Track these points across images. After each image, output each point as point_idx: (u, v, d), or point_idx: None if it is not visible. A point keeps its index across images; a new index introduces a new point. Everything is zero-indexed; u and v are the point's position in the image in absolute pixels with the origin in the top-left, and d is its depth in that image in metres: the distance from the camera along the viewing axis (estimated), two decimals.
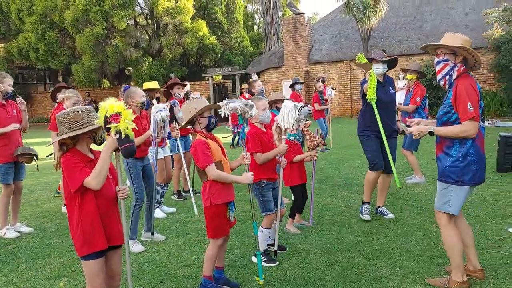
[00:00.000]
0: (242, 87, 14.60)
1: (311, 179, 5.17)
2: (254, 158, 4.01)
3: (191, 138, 7.04)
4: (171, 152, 6.47)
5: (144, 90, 5.59)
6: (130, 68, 24.78)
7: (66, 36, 24.46)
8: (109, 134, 2.53)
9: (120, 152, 2.56)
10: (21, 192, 5.60)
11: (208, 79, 22.42)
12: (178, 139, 6.17)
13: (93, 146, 2.77)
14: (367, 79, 4.97)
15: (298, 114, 4.24)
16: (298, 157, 4.82)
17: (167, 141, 6.31)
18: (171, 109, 5.63)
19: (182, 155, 6.36)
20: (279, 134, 4.41)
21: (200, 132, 3.49)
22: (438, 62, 3.38)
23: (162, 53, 23.97)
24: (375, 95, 4.86)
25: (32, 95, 29.18)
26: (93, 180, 2.50)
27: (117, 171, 2.71)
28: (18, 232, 5.37)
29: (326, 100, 10.52)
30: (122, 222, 2.73)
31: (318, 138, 4.85)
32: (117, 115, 2.47)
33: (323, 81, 10.51)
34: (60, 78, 30.02)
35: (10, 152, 5.19)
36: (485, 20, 16.59)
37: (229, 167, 3.56)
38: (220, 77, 24.95)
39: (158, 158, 5.80)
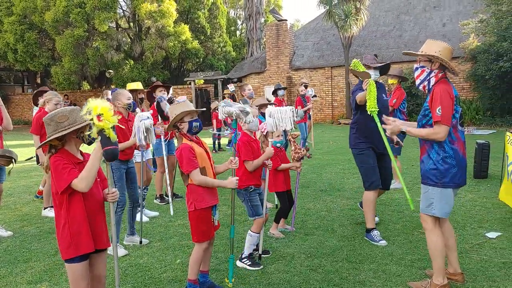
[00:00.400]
0: (225, 92, 14.62)
1: (295, 185, 5.22)
2: (245, 165, 4.05)
3: (175, 142, 7.03)
4: (153, 156, 6.44)
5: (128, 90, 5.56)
6: (111, 70, 24.53)
7: (46, 38, 24.08)
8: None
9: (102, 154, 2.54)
10: (1, 195, 5.49)
11: (190, 83, 22.37)
12: (162, 141, 6.15)
13: (84, 148, 2.75)
14: (363, 88, 4.48)
15: (296, 116, 4.33)
16: (283, 166, 4.87)
17: (150, 144, 6.29)
18: (158, 104, 5.61)
19: (165, 159, 6.34)
20: (265, 138, 4.47)
21: (186, 136, 3.50)
22: (416, 69, 3.52)
23: (144, 56, 23.82)
24: (376, 106, 4.28)
25: (10, 97, 28.56)
26: (82, 182, 2.48)
27: (105, 174, 2.70)
28: None
29: (308, 98, 10.60)
30: (111, 225, 2.72)
31: (303, 150, 4.92)
32: (99, 116, 2.46)
33: (305, 86, 10.63)
34: (39, 80, 29.50)
35: None
36: (462, 30, 17.05)
37: (214, 172, 3.57)
38: (202, 81, 24.93)
39: (138, 160, 5.78)
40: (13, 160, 5.25)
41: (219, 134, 12.82)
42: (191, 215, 3.46)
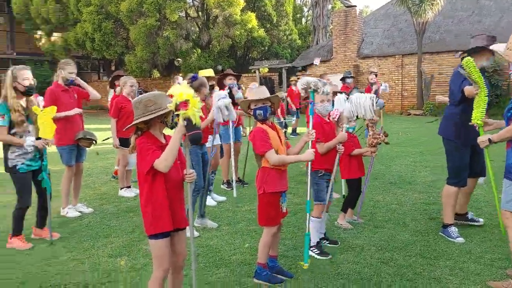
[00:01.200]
0: (291, 79, 14.53)
1: (367, 174, 5.10)
2: (317, 146, 4.02)
3: (241, 130, 7.14)
4: (221, 141, 6.58)
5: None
6: (179, 59, 25.29)
7: (121, 27, 25.21)
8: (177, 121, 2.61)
9: (186, 138, 2.62)
10: (82, 174, 5.88)
11: (255, 72, 22.50)
12: (230, 127, 6.27)
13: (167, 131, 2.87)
14: (473, 94, 3.97)
15: (376, 105, 4.24)
16: (357, 151, 4.79)
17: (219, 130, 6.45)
18: (229, 91, 5.72)
19: (232, 145, 6.47)
20: (337, 125, 4.42)
21: (259, 121, 3.54)
22: None
23: (211, 45, 24.26)
24: (481, 119, 3.86)
25: (88, 83, 30.38)
26: (162, 163, 2.59)
27: (185, 156, 2.79)
28: (80, 212, 5.64)
29: (377, 92, 10.31)
30: (188, 206, 2.81)
31: (382, 136, 4.80)
32: (186, 103, 2.53)
33: (375, 75, 10.36)
34: (113, 68, 31.08)
35: (72, 135, 5.44)
36: None
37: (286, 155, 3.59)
38: (267, 70, 24.98)
39: (208, 145, 5.94)
40: (93, 142, 5.60)
41: (285, 122, 12.80)
42: (260, 198, 3.51)
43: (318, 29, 26.72)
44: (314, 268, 3.81)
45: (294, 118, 13.41)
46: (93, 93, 5.85)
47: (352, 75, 12.04)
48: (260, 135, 3.42)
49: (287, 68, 21.45)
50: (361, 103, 4.06)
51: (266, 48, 25.72)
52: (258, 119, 3.52)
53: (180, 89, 2.54)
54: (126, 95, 6.41)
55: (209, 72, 6.75)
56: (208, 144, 5.80)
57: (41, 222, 4.75)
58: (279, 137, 3.54)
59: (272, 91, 20.74)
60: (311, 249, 4.16)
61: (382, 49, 20.60)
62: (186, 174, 2.72)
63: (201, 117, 2.61)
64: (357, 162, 4.86)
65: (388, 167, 8.10)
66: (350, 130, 4.71)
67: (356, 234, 4.64)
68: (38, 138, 4.46)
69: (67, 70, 5.41)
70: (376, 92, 9.82)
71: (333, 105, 4.48)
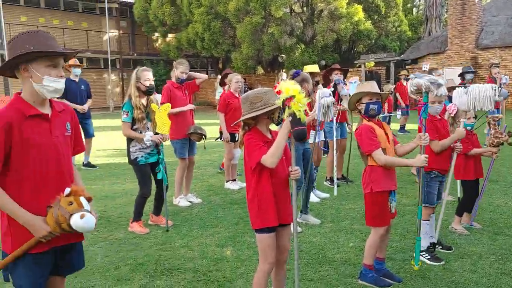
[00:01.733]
0: (401, 73, 13.80)
1: (486, 176, 4.66)
2: (431, 145, 3.78)
3: (346, 126, 6.97)
4: (325, 138, 6.50)
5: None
6: (283, 55, 25.55)
7: (228, 26, 26.22)
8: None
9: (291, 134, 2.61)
10: (193, 166, 6.23)
11: (360, 66, 21.85)
12: (334, 123, 6.17)
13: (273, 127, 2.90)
14: None
15: (498, 96, 3.88)
16: (476, 151, 4.40)
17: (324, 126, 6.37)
18: (334, 86, 5.63)
19: (334, 141, 6.35)
20: (453, 121, 4.10)
21: (365, 117, 3.42)
22: None
23: (315, 40, 24.09)
24: None
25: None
26: (269, 159, 2.62)
27: (291, 153, 2.79)
28: (190, 202, 6.00)
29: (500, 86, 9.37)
30: (292, 202, 2.82)
31: (505, 136, 4.36)
32: (291, 98, 2.52)
33: (497, 66, 9.41)
34: (220, 65, 32.48)
35: (184, 129, 5.79)
36: None
37: (394, 155, 3.42)
38: (373, 64, 24.08)
39: (310, 142, 5.90)
40: (203, 136, 5.89)
41: (389, 117, 12.21)
42: (367, 197, 3.39)
43: (431, 19, 25.07)
44: (425, 274, 3.59)
45: (399, 114, 12.67)
46: (199, 76, 6.11)
47: (473, 69, 11.05)
48: (367, 133, 3.31)
49: (395, 61, 20.46)
50: (481, 94, 3.69)
51: (373, 41, 24.79)
52: (369, 115, 3.41)
53: (287, 84, 2.53)
54: (233, 91, 6.64)
55: (314, 68, 6.70)
56: (310, 140, 5.77)
57: (157, 210, 5.14)
58: (387, 135, 3.39)
59: (378, 86, 19.97)
60: (421, 253, 3.92)
61: (505, 39, 18.63)
62: (291, 171, 2.72)
63: (305, 112, 2.59)
64: (473, 162, 4.45)
65: (510, 168, 7.31)
66: (469, 128, 4.32)
67: (473, 241, 4.26)
68: (155, 134, 4.82)
69: (179, 70, 5.78)
70: (500, 86, 8.90)
71: (450, 100, 4.16)
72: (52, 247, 2.14)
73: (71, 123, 2.32)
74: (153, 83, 4.79)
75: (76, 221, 2.02)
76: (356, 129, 3.49)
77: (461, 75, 9.75)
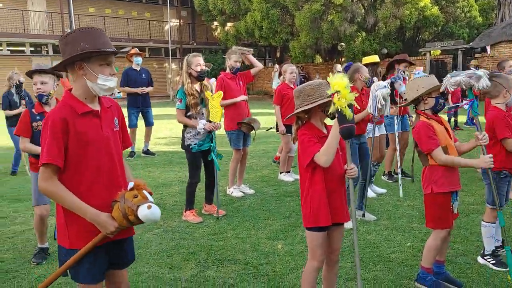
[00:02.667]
0: (472, 62, 12.96)
1: None
2: (504, 143, 3.49)
3: (407, 118, 6.64)
4: (386, 131, 6.22)
5: (366, 65, 5.44)
6: (342, 44, 24.89)
7: (287, 14, 25.95)
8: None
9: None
10: (247, 157, 6.23)
11: (425, 54, 20.81)
12: (395, 118, 5.89)
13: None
14: None
15: None
16: None
17: (384, 119, 6.10)
18: (391, 85, 5.36)
19: (397, 136, 6.06)
20: None
21: (423, 113, 3.21)
22: None
23: (376, 27, 23.25)
24: None
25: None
26: (322, 157, 2.52)
27: (347, 149, 2.66)
28: (243, 192, 6.01)
29: None
30: (350, 201, 2.69)
31: None
32: (336, 93, 2.38)
33: None
34: (278, 54, 32.32)
35: (240, 120, 5.78)
36: None
37: (456, 152, 3.19)
38: (439, 52, 22.85)
39: (370, 136, 5.67)
40: (253, 128, 5.81)
41: (455, 108, 11.49)
42: (427, 198, 3.19)
43: (504, 4, 23.27)
44: (489, 280, 3.34)
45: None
46: (256, 64, 6.00)
47: None
48: (425, 131, 3.10)
49: (463, 49, 19.28)
50: None
51: (440, 28, 23.50)
52: (436, 110, 3.21)
53: (335, 79, 2.39)
54: (287, 82, 6.53)
55: (374, 58, 6.41)
56: (369, 135, 5.56)
57: (208, 199, 5.19)
58: (448, 131, 3.16)
59: (444, 75, 18.92)
60: (485, 257, 3.65)
61: None
62: (346, 169, 2.59)
63: (355, 108, 2.45)
64: None
65: None
66: None
67: None
68: (209, 121, 4.85)
69: (232, 59, 5.76)
70: None
71: None
72: (105, 242, 2.18)
73: (119, 118, 2.36)
74: (204, 68, 4.81)
75: (143, 212, 2.07)
76: (413, 126, 3.28)
77: None
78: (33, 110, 3.93)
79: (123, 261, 2.37)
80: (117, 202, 2.12)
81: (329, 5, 22.89)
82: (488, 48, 11.40)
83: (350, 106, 2.39)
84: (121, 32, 29.65)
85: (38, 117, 3.87)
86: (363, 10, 24.01)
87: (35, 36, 26.47)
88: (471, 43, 20.88)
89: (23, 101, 6.78)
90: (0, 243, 4.41)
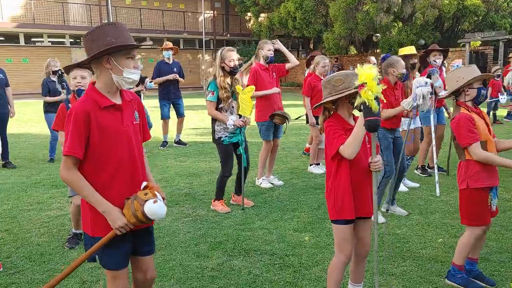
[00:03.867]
0: (510, 55, 12.41)
1: None
2: None
3: (443, 111, 6.43)
4: (421, 124, 6.05)
5: (399, 56, 5.29)
6: (378, 34, 24.33)
7: (321, 4, 25.59)
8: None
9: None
10: (277, 149, 6.20)
11: (464, 45, 20.07)
12: (431, 111, 5.71)
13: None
14: None
15: None
16: None
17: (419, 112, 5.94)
18: (429, 76, 5.20)
19: (433, 129, 5.88)
20: None
21: (464, 105, 3.09)
22: None
23: (414, 17, 22.57)
24: None
25: (286, 61, 32.08)
26: (347, 149, 2.46)
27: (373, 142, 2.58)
28: (271, 183, 5.99)
29: None
30: (373, 195, 2.63)
31: None
32: (363, 85, 2.31)
33: None
34: (311, 46, 31.96)
35: (270, 112, 5.75)
36: None
37: (495, 148, 3.05)
38: (479, 43, 21.98)
39: (404, 129, 5.52)
40: (286, 120, 5.80)
41: (495, 103, 11.04)
42: (462, 193, 3.08)
43: None
44: None
45: (505, 98, 11.24)
46: (292, 60, 5.92)
47: None
48: (466, 124, 2.98)
49: (505, 40, 18.46)
50: None
51: (481, 17, 22.57)
52: (478, 101, 3.10)
53: (364, 69, 2.32)
54: (318, 75, 6.45)
55: (410, 50, 6.21)
56: (404, 127, 5.42)
57: (238, 189, 5.21)
58: (488, 126, 3.03)
59: (484, 68, 18.17)
60: None
61: None
62: (371, 162, 2.53)
63: (382, 101, 2.37)
64: None
65: None
66: None
67: None
68: (239, 116, 4.85)
69: (266, 49, 5.71)
70: None
71: None
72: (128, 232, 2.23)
73: (139, 111, 2.39)
74: (237, 63, 4.79)
75: (149, 206, 2.12)
76: (452, 118, 3.16)
77: None
78: (69, 105, 4.02)
79: (144, 250, 2.41)
80: (129, 199, 2.19)
81: None
82: None
83: (376, 99, 2.31)
84: (156, 23, 30.07)
85: None
86: (400, 0, 23.36)
87: (75, 28, 27.22)
88: None
89: (64, 90, 6.99)
90: (36, 227, 4.58)
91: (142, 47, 2.36)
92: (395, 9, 22.53)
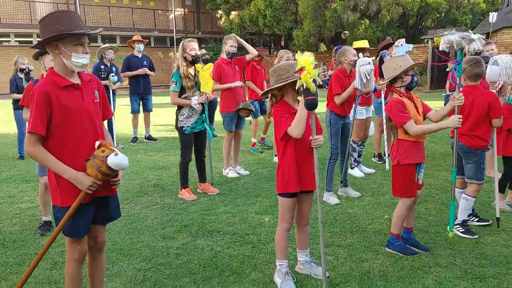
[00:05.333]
0: None
1: None
2: (495, 122, 3.77)
3: None
4: (373, 114, 6.50)
5: (354, 49, 5.70)
6: (346, 32, 24.96)
7: (290, 2, 26.03)
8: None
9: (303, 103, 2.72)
10: (240, 139, 6.51)
11: (427, 42, 20.85)
12: (382, 99, 6.16)
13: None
14: None
15: None
16: None
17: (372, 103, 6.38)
18: (381, 59, 5.61)
19: (384, 117, 6.32)
20: (500, 93, 4.02)
21: (397, 91, 3.47)
22: None
23: (379, 15, 23.28)
24: None
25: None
26: (294, 130, 2.79)
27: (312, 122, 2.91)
28: (238, 173, 6.30)
29: None
30: (315, 170, 2.96)
31: None
32: (302, 69, 2.65)
33: None
34: (283, 43, 32.39)
35: (235, 105, 6.06)
36: None
37: (434, 119, 3.49)
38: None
39: (360, 117, 5.94)
40: (251, 113, 6.13)
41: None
42: (394, 169, 3.51)
43: None
44: (455, 246, 3.62)
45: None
46: (251, 50, 6.17)
47: None
48: (397, 106, 3.37)
49: None
50: (510, 65, 3.61)
51: (443, 14, 23.48)
52: (411, 87, 3.48)
53: (301, 56, 2.66)
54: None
55: (364, 43, 6.65)
56: (360, 116, 5.85)
57: (201, 177, 5.52)
58: (417, 108, 3.43)
59: (446, 61, 18.90)
60: (456, 227, 3.92)
61: None
62: (311, 139, 2.87)
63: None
64: None
65: None
66: None
67: None
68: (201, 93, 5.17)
69: (228, 44, 6.02)
70: None
71: None
72: (91, 199, 2.48)
73: (99, 91, 2.61)
74: (198, 52, 5.14)
75: (112, 159, 2.33)
76: (386, 103, 3.54)
77: None
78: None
79: (108, 217, 2.66)
80: (89, 160, 2.40)
81: None
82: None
83: (314, 81, 2.66)
84: (126, 21, 29.90)
85: None
86: None
87: None
88: (474, 30, 20.84)
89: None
90: (9, 218, 4.76)
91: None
92: (362, 7, 23.18)
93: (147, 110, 9.18)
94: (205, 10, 32.66)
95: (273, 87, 2.91)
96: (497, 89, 4.10)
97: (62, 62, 2.42)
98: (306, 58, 2.63)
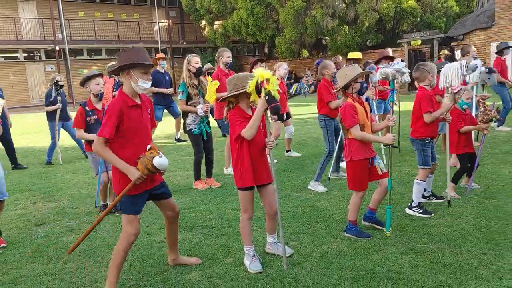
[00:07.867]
0: (441, 52, 13.71)
1: (479, 148, 5.08)
2: (425, 116, 4.35)
3: (388, 102, 7.54)
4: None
5: (349, 59, 6.49)
6: (326, 38, 25.65)
7: (272, 11, 26.69)
8: (260, 96, 3.24)
9: (269, 110, 3.23)
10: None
11: (403, 45, 21.59)
12: (374, 102, 6.85)
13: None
14: None
15: (466, 71, 4.32)
16: (467, 128, 4.90)
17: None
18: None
19: (376, 117, 7.02)
20: (453, 98, 4.55)
21: (351, 96, 3.96)
22: None
23: (358, 21, 24.02)
24: None
25: (243, 66, 33.05)
26: (247, 132, 3.28)
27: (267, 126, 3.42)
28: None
29: None
30: (271, 166, 3.48)
31: (494, 112, 4.78)
32: (267, 81, 3.16)
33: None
34: (266, 50, 33.05)
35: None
36: None
37: (370, 130, 3.98)
38: (419, 42, 23.65)
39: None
40: None
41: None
42: (348, 165, 3.99)
43: None
44: (404, 228, 4.12)
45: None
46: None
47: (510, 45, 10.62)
48: (349, 110, 3.85)
49: (439, 39, 20.08)
50: (450, 70, 4.20)
51: (418, 19, 24.31)
52: (361, 92, 4.04)
53: (261, 70, 3.17)
54: (277, 77, 7.40)
55: (357, 55, 7.31)
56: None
57: (207, 173, 6.23)
58: (366, 112, 3.93)
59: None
60: (414, 209, 4.46)
61: None
62: (267, 142, 3.36)
63: (279, 92, 3.23)
64: (465, 138, 4.98)
65: None
66: (464, 106, 4.88)
67: (460, 203, 4.70)
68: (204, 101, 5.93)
69: (225, 56, 6.71)
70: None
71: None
72: (143, 190, 3.20)
73: (150, 109, 3.34)
74: (201, 65, 5.93)
75: (157, 160, 3.03)
76: (341, 106, 4.04)
77: (499, 52, 8.97)
78: (86, 107, 5.14)
79: (168, 192, 3.43)
80: (140, 158, 3.08)
81: (311, 1, 23.63)
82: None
83: (275, 90, 3.18)
84: (111, 34, 30.29)
85: (90, 113, 5.15)
86: (343, 5, 24.78)
87: (28, 42, 27.10)
88: (448, 33, 21.65)
89: (59, 97, 8.27)
90: (5, 223, 5.16)
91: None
92: (340, 13, 23.92)
93: (176, 115, 10.29)
94: (189, 20, 33.21)
95: (230, 94, 3.39)
96: (455, 91, 4.59)
97: (130, 85, 3.14)
98: (266, 72, 3.14)
